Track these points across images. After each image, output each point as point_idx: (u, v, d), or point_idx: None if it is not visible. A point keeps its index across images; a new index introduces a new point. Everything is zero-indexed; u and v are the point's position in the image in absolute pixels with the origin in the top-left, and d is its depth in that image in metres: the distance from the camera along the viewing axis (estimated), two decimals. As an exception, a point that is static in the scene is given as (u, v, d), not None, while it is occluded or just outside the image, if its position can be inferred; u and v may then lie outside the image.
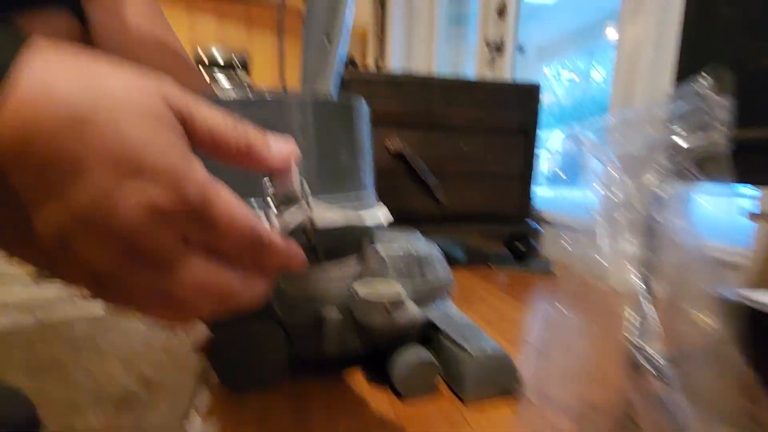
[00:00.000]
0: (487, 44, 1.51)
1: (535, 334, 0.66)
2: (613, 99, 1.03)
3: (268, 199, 0.23)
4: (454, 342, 0.48)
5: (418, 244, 0.57)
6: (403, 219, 1.02)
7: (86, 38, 0.42)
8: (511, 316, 0.75)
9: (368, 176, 0.33)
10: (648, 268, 0.27)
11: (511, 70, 1.49)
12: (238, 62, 5.41)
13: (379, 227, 0.32)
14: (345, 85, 0.94)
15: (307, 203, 0.23)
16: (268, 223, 0.22)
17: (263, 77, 5.54)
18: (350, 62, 6.21)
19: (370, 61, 3.48)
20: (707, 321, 0.28)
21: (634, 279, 0.27)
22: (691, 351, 0.30)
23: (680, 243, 0.29)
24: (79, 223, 0.16)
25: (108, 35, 0.41)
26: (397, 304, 0.46)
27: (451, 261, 1.15)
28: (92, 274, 0.18)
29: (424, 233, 1.04)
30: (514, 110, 1.04)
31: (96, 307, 0.72)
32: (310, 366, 0.52)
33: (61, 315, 0.68)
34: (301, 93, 0.31)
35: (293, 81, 0.54)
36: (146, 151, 0.16)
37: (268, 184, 0.23)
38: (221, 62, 5.37)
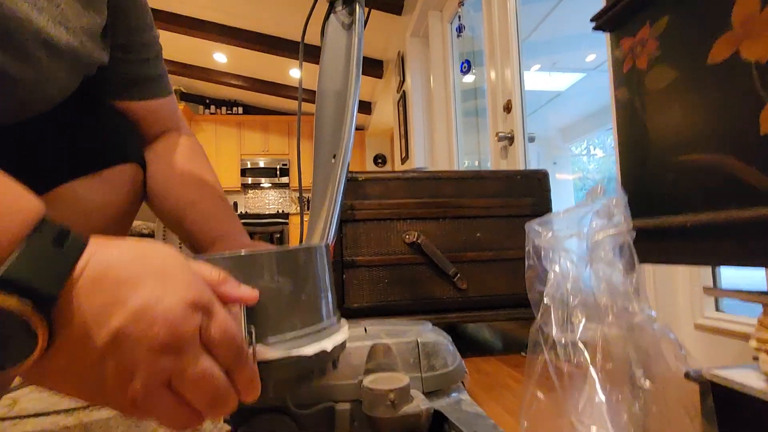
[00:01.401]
0: (499, 138, 1.63)
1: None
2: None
3: None
4: (462, 434, 0.47)
5: (426, 334, 0.59)
6: (425, 308, 1.03)
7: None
8: (538, 407, 0.72)
9: (327, 306, 0.37)
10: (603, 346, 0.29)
11: (523, 158, 1.58)
12: (279, 167, 5.97)
13: (328, 355, 0.37)
14: (361, 184, 1.04)
15: (251, 343, 0.29)
16: None
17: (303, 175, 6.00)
18: (381, 159, 6.63)
19: (397, 157, 3.75)
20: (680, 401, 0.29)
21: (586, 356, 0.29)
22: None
23: (643, 326, 0.31)
24: (134, 318, 0.23)
25: (158, 175, 0.52)
26: (402, 394, 0.48)
27: (486, 350, 1.13)
28: (129, 377, 0.23)
29: (448, 321, 1.04)
30: (525, 196, 1.09)
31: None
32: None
33: (98, 416, 0.73)
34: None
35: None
36: (180, 275, 0.25)
37: None
38: (265, 168, 5.92)
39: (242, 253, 0.32)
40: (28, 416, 0.75)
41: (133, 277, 0.24)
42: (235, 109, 5.90)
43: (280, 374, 0.31)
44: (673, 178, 0.34)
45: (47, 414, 0.75)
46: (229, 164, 5.81)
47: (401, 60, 3.24)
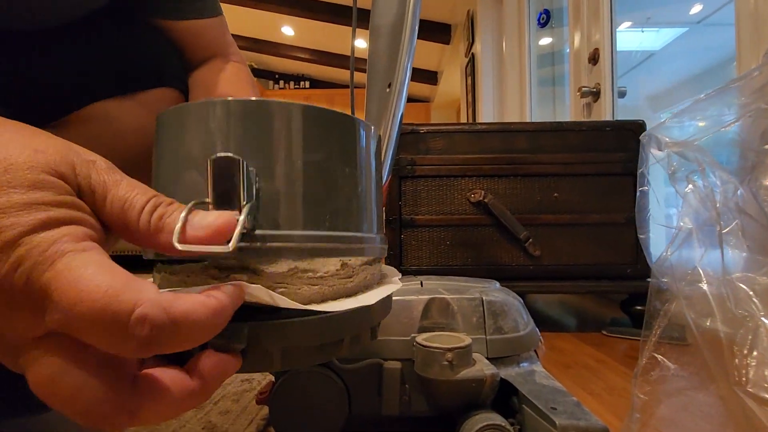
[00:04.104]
0: (582, 93, 1.43)
1: (655, 413, 0.51)
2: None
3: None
4: (537, 409, 0.39)
5: (494, 292, 0.50)
6: (491, 275, 0.94)
7: None
8: (623, 387, 0.60)
9: (369, 216, 0.25)
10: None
11: (611, 115, 1.38)
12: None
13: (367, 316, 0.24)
14: (422, 137, 0.95)
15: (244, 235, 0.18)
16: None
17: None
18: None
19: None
20: None
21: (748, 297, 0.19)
22: None
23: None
24: None
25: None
26: (463, 356, 0.40)
27: (558, 326, 1.01)
28: None
29: (516, 290, 0.94)
30: (614, 152, 0.93)
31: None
32: (372, 430, 0.46)
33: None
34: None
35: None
36: None
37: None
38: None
39: (248, 99, 0.21)
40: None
41: None
42: (302, 83, 6.00)
43: (291, 338, 0.19)
44: None
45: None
46: (296, 139, 5.96)
47: (470, 20, 3.02)
